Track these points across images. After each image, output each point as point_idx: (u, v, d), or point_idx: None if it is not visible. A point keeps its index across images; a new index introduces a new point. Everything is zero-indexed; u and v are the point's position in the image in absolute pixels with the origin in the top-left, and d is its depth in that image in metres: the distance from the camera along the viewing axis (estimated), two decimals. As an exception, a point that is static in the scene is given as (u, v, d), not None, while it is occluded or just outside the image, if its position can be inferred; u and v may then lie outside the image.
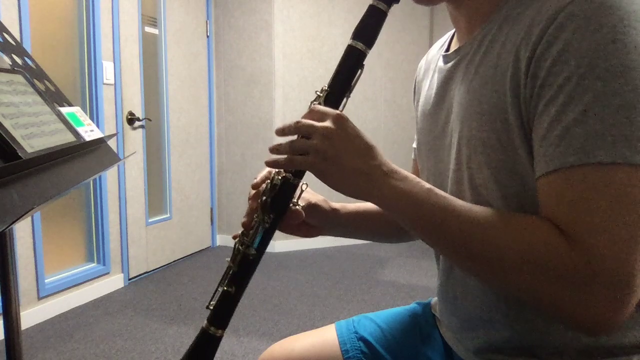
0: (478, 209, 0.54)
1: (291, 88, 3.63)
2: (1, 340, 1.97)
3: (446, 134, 0.68)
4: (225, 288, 0.63)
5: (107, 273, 2.78)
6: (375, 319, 0.84)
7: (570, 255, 0.47)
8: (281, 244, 3.70)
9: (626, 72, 0.46)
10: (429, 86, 0.75)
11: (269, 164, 0.60)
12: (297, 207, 0.69)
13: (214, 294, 0.65)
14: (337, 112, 0.57)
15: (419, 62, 0.87)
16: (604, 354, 0.57)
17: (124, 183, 2.88)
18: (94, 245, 2.76)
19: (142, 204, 3.05)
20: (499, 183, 0.57)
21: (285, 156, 0.58)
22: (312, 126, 0.56)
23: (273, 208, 0.63)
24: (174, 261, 3.38)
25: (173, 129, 3.32)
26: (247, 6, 3.60)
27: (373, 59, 3.74)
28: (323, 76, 3.64)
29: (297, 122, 0.58)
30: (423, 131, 0.75)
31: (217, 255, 3.60)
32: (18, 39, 1.93)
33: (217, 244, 3.86)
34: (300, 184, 0.64)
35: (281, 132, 0.59)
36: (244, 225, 0.66)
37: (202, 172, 3.67)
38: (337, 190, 0.57)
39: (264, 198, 0.63)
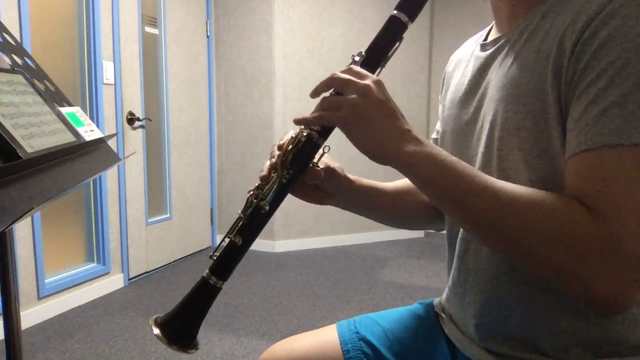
0: (503, 182, 0.55)
1: (291, 88, 3.63)
2: (1, 340, 1.97)
3: (477, 118, 0.68)
4: (231, 238, 0.62)
5: (107, 273, 2.78)
6: (377, 319, 0.84)
7: (593, 229, 0.48)
8: (281, 244, 3.70)
9: None
10: (461, 75, 0.76)
11: (297, 121, 0.59)
12: (317, 168, 0.67)
13: (220, 243, 0.64)
14: (376, 77, 0.58)
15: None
16: (610, 352, 0.57)
17: (124, 183, 2.87)
18: (94, 245, 2.75)
19: (142, 204, 3.05)
20: (528, 166, 0.58)
21: (316, 114, 0.57)
22: (351, 81, 0.56)
23: (293, 164, 0.62)
24: (174, 261, 3.38)
25: (173, 129, 3.32)
26: (247, 6, 3.60)
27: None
28: (323, 76, 3.60)
29: (333, 75, 0.57)
30: (450, 118, 0.75)
31: (217, 255, 3.59)
32: (18, 39, 1.92)
33: (217, 244, 3.86)
34: (323, 145, 0.62)
35: (315, 92, 0.58)
36: (262, 179, 0.65)
37: (202, 172, 3.67)
38: (361, 149, 0.56)
39: (285, 153, 0.62)
